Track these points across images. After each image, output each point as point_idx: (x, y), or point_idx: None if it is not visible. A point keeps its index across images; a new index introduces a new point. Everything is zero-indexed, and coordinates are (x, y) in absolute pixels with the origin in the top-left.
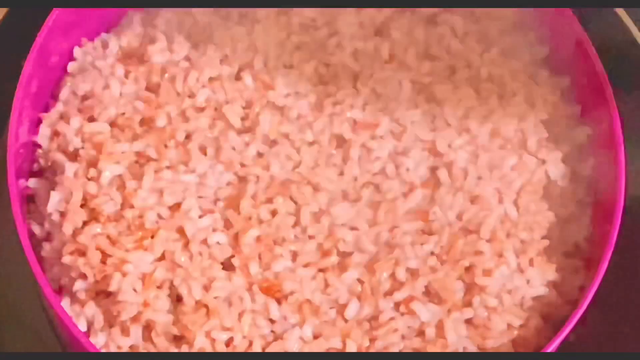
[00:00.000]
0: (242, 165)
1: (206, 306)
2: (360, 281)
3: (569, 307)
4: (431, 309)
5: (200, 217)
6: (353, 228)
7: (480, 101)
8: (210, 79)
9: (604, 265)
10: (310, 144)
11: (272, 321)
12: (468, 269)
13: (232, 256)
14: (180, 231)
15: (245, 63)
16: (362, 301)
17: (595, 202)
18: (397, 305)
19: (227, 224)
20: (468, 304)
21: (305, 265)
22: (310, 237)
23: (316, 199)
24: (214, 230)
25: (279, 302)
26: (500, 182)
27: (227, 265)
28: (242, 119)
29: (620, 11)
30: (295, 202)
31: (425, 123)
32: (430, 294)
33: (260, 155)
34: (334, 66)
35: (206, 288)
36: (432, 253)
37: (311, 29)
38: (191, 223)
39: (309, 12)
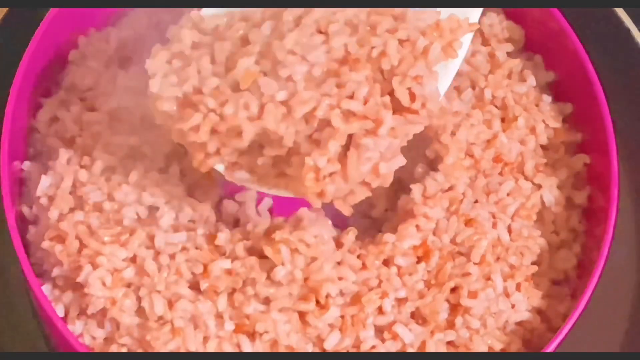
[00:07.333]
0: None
1: (172, 322)
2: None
3: (552, 335)
4: (415, 329)
5: (173, 230)
6: (340, 278)
7: (486, 124)
8: None
9: (587, 296)
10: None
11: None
12: (454, 289)
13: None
14: (152, 239)
15: None
16: (343, 332)
17: (587, 230)
18: (379, 332)
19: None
20: (451, 325)
21: (280, 310)
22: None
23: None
24: (184, 249)
25: (251, 338)
26: (495, 206)
27: (194, 285)
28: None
29: (620, 11)
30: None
31: None
32: (415, 316)
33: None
34: None
35: (171, 304)
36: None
37: None
38: (162, 234)
39: None
